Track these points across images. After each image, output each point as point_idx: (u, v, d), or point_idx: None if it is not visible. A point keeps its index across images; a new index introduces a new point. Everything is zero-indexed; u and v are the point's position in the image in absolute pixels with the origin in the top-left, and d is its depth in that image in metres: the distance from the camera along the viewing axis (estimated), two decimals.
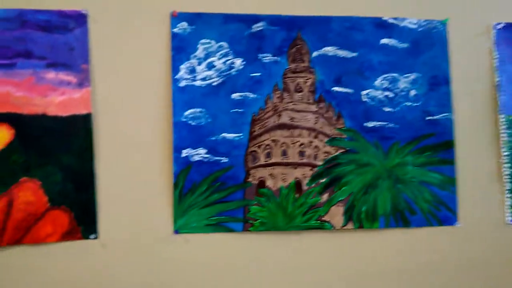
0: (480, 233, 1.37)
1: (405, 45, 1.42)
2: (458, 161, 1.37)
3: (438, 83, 1.39)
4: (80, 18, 1.26)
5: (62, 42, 1.25)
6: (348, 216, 1.33)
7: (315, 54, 1.36)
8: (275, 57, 1.34)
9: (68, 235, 1.22)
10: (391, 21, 1.38)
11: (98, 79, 1.27)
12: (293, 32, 1.36)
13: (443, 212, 1.36)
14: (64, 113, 1.24)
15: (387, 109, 1.37)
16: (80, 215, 1.23)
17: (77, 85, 1.25)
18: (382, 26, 1.41)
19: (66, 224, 1.22)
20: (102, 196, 1.25)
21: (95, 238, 1.24)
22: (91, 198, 1.23)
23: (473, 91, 1.40)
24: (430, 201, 1.36)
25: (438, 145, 1.37)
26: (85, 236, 1.23)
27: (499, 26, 1.47)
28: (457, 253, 1.36)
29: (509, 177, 1.40)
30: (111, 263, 1.25)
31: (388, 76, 1.41)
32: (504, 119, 1.44)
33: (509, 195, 1.42)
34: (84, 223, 1.23)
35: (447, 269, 1.35)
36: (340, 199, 1.33)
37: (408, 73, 1.38)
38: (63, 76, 1.25)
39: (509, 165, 1.42)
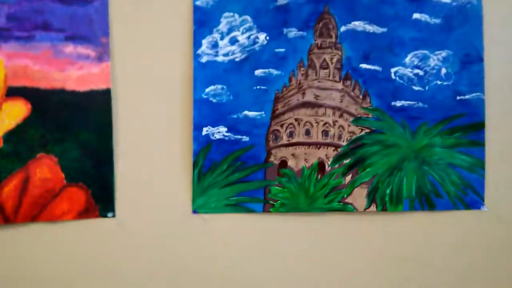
0: (508, 219, 1.29)
1: (437, 20, 1.30)
2: (488, 143, 1.28)
3: (471, 61, 1.29)
4: None
5: (81, 14, 1.18)
6: (372, 198, 1.27)
7: (343, 29, 1.27)
8: (301, 32, 1.26)
9: (85, 213, 1.19)
10: None
11: (117, 53, 1.20)
12: (320, 5, 1.27)
13: (470, 196, 1.28)
14: (82, 88, 1.18)
15: (416, 87, 1.28)
16: (98, 193, 1.19)
17: (97, 59, 1.19)
18: (414, 0, 1.34)
19: (83, 202, 1.18)
20: (120, 174, 1.20)
21: (113, 216, 1.20)
22: (109, 176, 1.19)
23: (508, 70, 1.30)
24: (457, 184, 1.28)
25: (469, 126, 1.28)
26: (103, 215, 1.19)
27: None
28: (483, 238, 1.28)
29: None
30: (128, 242, 1.21)
31: (418, 53, 1.32)
32: None
33: None
34: (102, 201, 1.19)
35: (472, 254, 1.29)
36: (364, 180, 1.27)
37: (439, 50, 1.28)
38: (82, 49, 1.18)
39: None
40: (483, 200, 1.29)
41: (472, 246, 1.29)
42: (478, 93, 1.30)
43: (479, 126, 1.29)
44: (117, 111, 1.20)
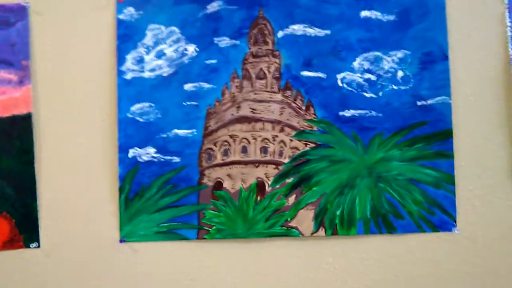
0: (485, 242, 1.01)
1: (391, 17, 1.04)
2: (457, 154, 1.02)
3: (433, 60, 1.03)
4: (21, 11, 1.07)
5: (3, 37, 1.07)
6: (320, 221, 1.03)
7: (280, 34, 1.05)
8: (234, 40, 1.06)
9: (9, 244, 1.05)
10: None
11: (39, 76, 1.07)
12: (254, 10, 1.05)
13: (438, 216, 1.02)
14: (4, 113, 1.06)
15: (368, 94, 1.04)
16: (22, 222, 1.05)
17: (18, 83, 1.06)
18: None
19: (7, 232, 1.05)
20: (44, 202, 1.06)
21: (37, 247, 1.05)
22: (32, 204, 1.05)
23: (478, 69, 1.03)
24: (421, 202, 1.02)
25: (433, 135, 1.02)
26: (27, 245, 1.05)
27: None
28: (455, 264, 1.01)
29: None
30: (54, 273, 1.06)
31: (369, 56, 1.04)
32: None
33: None
34: (26, 230, 1.05)
35: (442, 283, 1.01)
36: (309, 201, 1.03)
37: (394, 51, 1.03)
38: (4, 74, 1.07)
39: None
40: (455, 221, 1.02)
41: (442, 274, 1.01)
42: (443, 97, 1.02)
43: (446, 135, 1.02)
44: (39, 136, 1.06)
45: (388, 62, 1.06)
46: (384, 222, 1.04)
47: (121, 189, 1.06)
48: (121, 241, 1.06)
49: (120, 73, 1.07)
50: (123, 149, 1.06)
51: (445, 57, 1.04)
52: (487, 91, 1.05)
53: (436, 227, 1.03)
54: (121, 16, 1.08)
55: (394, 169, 1.04)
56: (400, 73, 1.05)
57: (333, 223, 1.04)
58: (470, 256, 1.03)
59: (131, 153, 1.06)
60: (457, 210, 1.03)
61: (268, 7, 1.07)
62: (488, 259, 1.02)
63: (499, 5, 1.05)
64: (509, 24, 1.05)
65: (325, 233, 1.04)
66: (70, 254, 1.06)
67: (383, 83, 1.05)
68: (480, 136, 1.04)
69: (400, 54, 1.05)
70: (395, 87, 1.05)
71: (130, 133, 1.07)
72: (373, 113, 1.05)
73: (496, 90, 1.04)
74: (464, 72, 1.05)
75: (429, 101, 1.04)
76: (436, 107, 1.04)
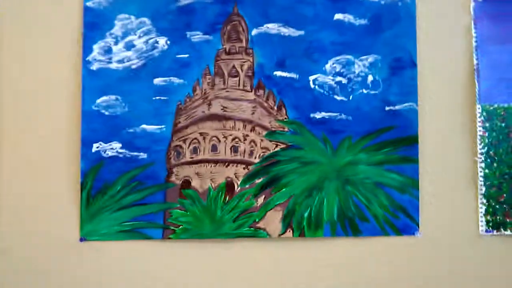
0: (447, 246, 1.03)
1: (363, 21, 1.03)
2: (422, 159, 1.03)
3: (402, 66, 1.03)
4: None
5: None
6: (287, 222, 1.01)
7: (254, 32, 1.02)
8: (207, 36, 1.01)
9: None
10: None
11: (1, 65, 0.99)
12: (229, 6, 1.02)
13: (401, 220, 1.02)
14: None
15: (338, 97, 1.02)
16: None
17: None
18: None
19: None
20: (2, 198, 0.98)
21: None
22: None
23: (444, 77, 1.04)
24: (386, 206, 1.02)
25: (399, 141, 1.02)
26: None
27: None
28: (417, 269, 1.02)
29: (485, 179, 1.04)
30: (11, 272, 0.99)
31: (341, 59, 1.03)
32: (481, 110, 1.10)
33: (483, 201, 1.05)
34: None
35: (405, 287, 1.03)
36: (278, 202, 1.01)
37: (365, 55, 1.03)
38: None
39: (484, 164, 1.05)
40: (417, 225, 1.02)
41: (404, 278, 1.02)
42: (410, 103, 1.03)
43: (412, 140, 1.02)
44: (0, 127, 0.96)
45: (359, 66, 1.05)
46: (350, 225, 1.04)
47: (82, 186, 1.00)
48: (81, 239, 1.00)
49: (86, 63, 1.01)
50: (86, 144, 1.00)
51: (414, 64, 1.05)
52: (452, 99, 1.06)
53: (400, 231, 1.04)
54: (89, 3, 1.02)
55: (361, 172, 1.04)
56: (370, 78, 1.05)
57: (301, 224, 1.03)
58: (432, 259, 1.04)
59: (95, 147, 1.00)
60: (420, 214, 1.05)
61: (243, 4, 1.04)
62: (450, 263, 1.04)
63: (465, 17, 1.07)
64: (474, 34, 1.08)
65: (293, 234, 1.03)
66: (28, 253, 0.99)
67: (354, 87, 1.05)
68: (444, 142, 1.06)
69: (370, 58, 1.05)
70: (365, 91, 1.05)
71: (94, 126, 1.00)
72: (343, 116, 1.04)
73: (460, 98, 1.06)
74: (431, 80, 1.06)
75: (397, 107, 1.05)
76: (403, 113, 1.05)
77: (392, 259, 1.03)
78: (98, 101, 1.00)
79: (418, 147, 1.04)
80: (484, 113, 1.05)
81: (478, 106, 1.05)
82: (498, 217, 1.05)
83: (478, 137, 1.05)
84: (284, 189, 1.02)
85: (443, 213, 1.04)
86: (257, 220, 1.01)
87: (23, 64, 0.99)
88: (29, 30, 1.00)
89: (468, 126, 1.05)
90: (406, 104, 1.04)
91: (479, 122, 1.05)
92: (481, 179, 1.05)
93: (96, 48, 1.00)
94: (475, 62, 1.06)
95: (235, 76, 1.03)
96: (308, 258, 1.02)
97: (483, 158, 1.05)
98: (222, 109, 1.02)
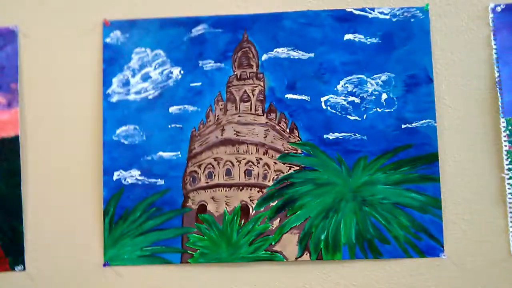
0: (475, 267, 0.96)
1: (374, 40, 1.00)
2: (444, 177, 0.98)
3: (417, 83, 0.99)
4: (10, 35, 1.05)
5: None
6: (304, 245, 0.98)
7: (264, 57, 1.02)
8: (218, 63, 1.02)
9: None
10: (356, 12, 1.00)
11: (27, 98, 1.04)
12: (239, 33, 1.02)
13: (425, 241, 0.96)
14: None
15: (352, 117, 1.00)
16: (7, 244, 1.02)
17: (6, 105, 1.04)
18: (345, 20, 1.00)
19: None
20: (29, 225, 1.02)
21: (22, 269, 1.02)
22: (18, 226, 1.02)
23: (463, 91, 0.99)
24: (407, 227, 0.97)
25: (418, 159, 0.97)
26: (12, 268, 1.02)
27: (498, 8, 1.00)
28: None
29: None
30: None
31: (353, 79, 1.00)
32: (506, 124, 0.98)
33: None
34: (11, 253, 1.02)
35: None
36: (294, 225, 0.99)
37: (378, 73, 1.00)
38: None
39: None
40: (442, 246, 0.96)
41: None
42: (428, 120, 0.98)
43: (432, 158, 0.97)
44: (26, 159, 1.02)
45: (372, 85, 1.03)
46: (369, 247, 1.00)
47: (105, 212, 1.03)
48: (105, 265, 1.03)
49: (106, 96, 1.05)
50: (108, 172, 1.04)
51: (430, 80, 1.01)
52: (473, 114, 1.00)
53: (423, 253, 0.99)
54: (107, 40, 1.07)
55: (379, 193, 1.00)
56: (384, 96, 1.02)
57: (318, 247, 1.00)
58: (458, 282, 0.97)
59: (116, 175, 1.04)
60: (444, 235, 0.98)
61: (253, 30, 1.05)
62: (478, 286, 0.98)
63: (484, 28, 1.02)
64: (494, 46, 1.02)
65: (310, 257, 1.00)
66: (55, 278, 1.02)
67: (367, 106, 1.02)
68: (467, 160, 1.00)
69: (384, 77, 1.02)
70: (379, 110, 1.02)
71: (115, 155, 1.04)
72: (357, 136, 1.01)
73: (482, 112, 1.00)
74: (449, 95, 1.01)
75: (414, 124, 1.01)
76: (421, 130, 1.00)
77: (416, 282, 0.98)
78: (118, 131, 1.03)
79: (438, 165, 0.99)
80: (510, 127, 0.99)
81: (502, 119, 0.99)
82: None
83: (504, 152, 0.99)
84: (299, 212, 1.00)
85: (470, 233, 0.98)
86: (273, 243, 1.00)
87: (49, 99, 1.04)
88: (54, 66, 1.05)
89: (492, 141, 0.99)
90: (423, 121, 1.00)
91: (504, 136, 0.99)
92: (510, 196, 0.98)
93: (115, 81, 1.04)
94: (496, 74, 1.00)
95: (247, 101, 1.03)
96: (326, 282, 0.99)
97: (511, 174, 0.98)
98: (235, 134, 1.03)
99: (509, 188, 0.97)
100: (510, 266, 0.95)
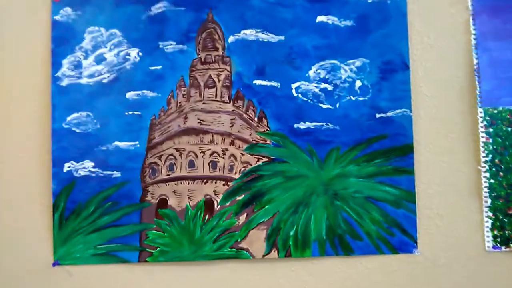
0: (449, 264, 0.91)
1: (348, 22, 0.93)
2: (419, 170, 0.92)
3: (393, 69, 0.92)
4: None
5: None
6: (272, 242, 0.91)
7: (231, 39, 0.93)
8: (180, 45, 0.93)
9: None
10: None
11: None
12: (203, 12, 0.93)
13: (398, 237, 0.91)
14: None
15: (324, 105, 0.92)
16: None
17: None
18: (318, 0, 0.94)
19: None
20: None
21: None
22: None
23: (440, 79, 0.93)
24: (380, 222, 0.91)
25: (392, 150, 0.91)
26: None
27: None
28: None
29: (490, 190, 0.92)
30: None
31: (325, 64, 0.93)
32: (483, 114, 0.94)
33: (489, 214, 0.93)
34: None
35: None
36: (261, 220, 0.92)
37: (352, 59, 0.92)
38: None
39: (489, 174, 0.92)
40: (415, 242, 0.91)
41: None
42: (403, 109, 0.92)
43: (407, 150, 0.91)
44: None
45: (345, 71, 0.95)
46: (340, 243, 0.93)
47: (54, 207, 0.93)
48: (54, 264, 0.93)
49: (55, 79, 0.94)
50: (57, 163, 0.93)
51: (406, 67, 0.95)
52: (450, 102, 0.95)
53: (396, 249, 0.93)
54: (57, 17, 0.95)
55: (351, 186, 0.94)
56: (358, 83, 0.95)
57: (286, 244, 0.93)
58: (431, 279, 0.92)
59: (66, 167, 0.94)
60: (418, 230, 0.93)
61: (218, 9, 0.95)
62: (452, 284, 0.92)
63: (463, 12, 0.95)
64: (473, 32, 0.96)
65: (278, 255, 0.93)
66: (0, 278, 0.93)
67: (340, 94, 0.95)
68: (443, 151, 0.94)
69: (358, 62, 0.95)
70: (353, 98, 0.95)
71: (65, 145, 0.94)
72: (330, 125, 0.94)
73: (459, 101, 0.95)
74: (426, 83, 0.95)
75: (389, 113, 0.94)
76: (396, 120, 0.94)
77: (388, 279, 0.92)
78: (69, 118, 0.93)
79: (413, 157, 0.93)
80: (487, 117, 0.94)
81: (480, 109, 0.94)
82: (506, 232, 0.93)
83: (481, 143, 0.94)
84: (267, 206, 0.93)
85: (444, 229, 0.93)
86: (239, 240, 0.93)
87: None
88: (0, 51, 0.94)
89: (469, 132, 0.94)
90: (398, 111, 0.93)
91: (482, 127, 0.94)
92: (486, 190, 0.93)
93: (66, 63, 0.94)
94: (475, 61, 0.94)
95: (212, 87, 0.94)
96: (295, 280, 0.92)
97: (487, 167, 0.93)
98: (198, 122, 0.94)
99: (485, 182, 0.92)
100: (485, 262, 0.91)
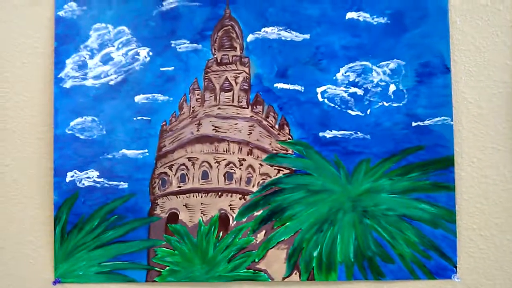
0: None
1: (382, 19, 0.82)
2: (460, 186, 0.81)
3: (432, 73, 0.81)
4: None
5: None
6: (293, 263, 0.81)
7: (250, 38, 0.82)
8: (194, 44, 0.83)
9: None
10: None
11: None
12: (220, 8, 0.83)
13: (435, 261, 0.80)
14: None
15: (353, 112, 0.81)
16: None
17: None
18: None
19: None
20: None
21: None
22: None
23: (485, 85, 0.81)
24: (415, 244, 0.80)
25: (430, 163, 0.80)
26: None
27: None
28: None
29: None
30: None
31: (355, 66, 0.82)
32: None
33: None
34: None
35: None
36: (282, 239, 0.81)
37: (386, 60, 0.81)
38: None
39: None
40: (455, 267, 0.80)
41: None
42: (443, 117, 0.80)
43: (447, 163, 0.80)
44: None
45: (378, 74, 0.84)
46: (370, 266, 0.82)
47: (56, 220, 0.84)
48: (55, 282, 0.84)
49: (58, 80, 0.85)
50: (59, 172, 0.84)
51: (447, 70, 0.82)
52: (496, 111, 0.83)
53: (433, 274, 0.81)
54: (61, 13, 0.86)
55: (383, 202, 0.82)
56: (392, 87, 0.83)
57: (309, 266, 0.82)
58: None
59: (69, 177, 0.84)
60: (458, 253, 0.81)
61: (236, 5, 0.85)
62: None
63: (509, 9, 0.84)
64: None
65: (300, 277, 0.82)
66: None
67: (372, 99, 0.83)
68: (487, 165, 0.82)
69: (392, 64, 0.83)
70: (386, 104, 0.83)
71: (68, 153, 0.84)
72: (359, 134, 0.83)
73: (506, 110, 0.83)
74: (469, 88, 0.83)
75: (427, 122, 0.82)
76: (435, 129, 0.82)
77: None
78: (72, 123, 0.84)
79: (454, 171, 0.81)
80: None
81: None
82: None
83: None
84: (288, 223, 0.82)
85: (488, 252, 0.81)
86: (256, 260, 0.82)
87: None
88: (2, 49, 0.84)
89: None
90: (438, 119, 0.81)
91: None
92: None
93: (69, 63, 0.84)
94: None
95: (229, 91, 0.84)
96: None
97: None
98: (213, 129, 0.83)
99: None
100: None
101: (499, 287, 0.79)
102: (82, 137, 0.82)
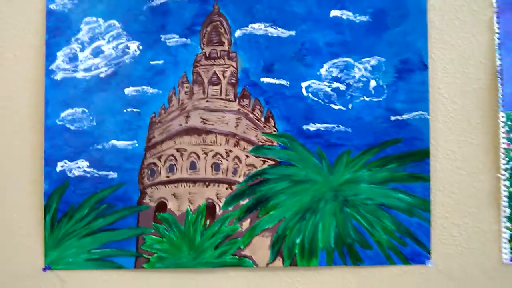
0: (463, 277, 0.83)
1: (364, 18, 0.84)
2: (435, 177, 0.83)
3: (410, 69, 0.83)
4: None
5: None
6: (277, 250, 0.83)
7: (238, 33, 0.84)
8: (184, 39, 0.84)
9: None
10: None
11: None
12: (209, 4, 0.84)
13: (410, 247, 0.83)
14: None
15: (336, 106, 0.84)
16: None
17: None
18: None
19: None
20: None
21: None
22: None
23: (460, 81, 0.84)
24: (392, 231, 0.83)
25: (407, 155, 0.83)
26: None
27: None
28: None
29: (509, 199, 0.83)
30: None
31: (338, 62, 0.84)
32: (505, 118, 0.85)
33: (508, 225, 0.85)
34: None
35: None
36: (266, 227, 0.83)
37: (367, 57, 0.84)
38: None
39: (509, 182, 0.83)
40: (429, 253, 0.83)
41: None
42: (420, 112, 0.83)
43: (422, 155, 0.83)
44: None
45: (359, 70, 0.86)
46: (349, 253, 0.85)
47: (46, 209, 0.85)
48: (45, 268, 0.85)
49: (49, 72, 0.86)
50: (50, 162, 0.85)
51: (424, 66, 0.85)
52: (470, 106, 0.86)
53: (408, 260, 0.85)
54: (52, 6, 0.86)
55: (362, 192, 0.85)
56: (372, 83, 0.86)
57: (292, 252, 0.85)
58: None
59: (60, 166, 0.85)
60: (432, 240, 0.85)
61: (225, 1, 0.86)
62: None
63: (487, 9, 0.86)
64: (497, 30, 0.87)
65: (283, 263, 0.85)
66: None
67: (353, 94, 0.86)
68: (461, 157, 0.85)
69: (373, 61, 0.86)
70: (366, 99, 0.86)
71: (58, 143, 0.85)
72: (341, 127, 0.86)
73: (480, 105, 0.86)
74: (445, 84, 0.86)
75: (405, 116, 0.85)
76: (412, 123, 0.85)
77: None
78: (63, 114, 0.84)
79: (429, 163, 0.84)
80: (509, 122, 0.85)
81: (501, 114, 0.85)
82: None
83: (502, 150, 0.85)
84: (273, 212, 0.85)
85: (459, 239, 0.84)
86: (242, 247, 0.84)
87: None
88: None
89: (489, 137, 0.85)
90: (415, 113, 0.84)
91: (503, 132, 0.85)
92: (505, 199, 0.85)
93: (60, 55, 0.85)
94: (498, 62, 0.85)
95: (217, 84, 0.86)
96: None
97: (507, 175, 0.85)
98: (201, 122, 0.85)
99: (504, 190, 0.83)
100: (501, 275, 0.82)
101: (469, 271, 0.83)
102: (72, 128, 0.83)
